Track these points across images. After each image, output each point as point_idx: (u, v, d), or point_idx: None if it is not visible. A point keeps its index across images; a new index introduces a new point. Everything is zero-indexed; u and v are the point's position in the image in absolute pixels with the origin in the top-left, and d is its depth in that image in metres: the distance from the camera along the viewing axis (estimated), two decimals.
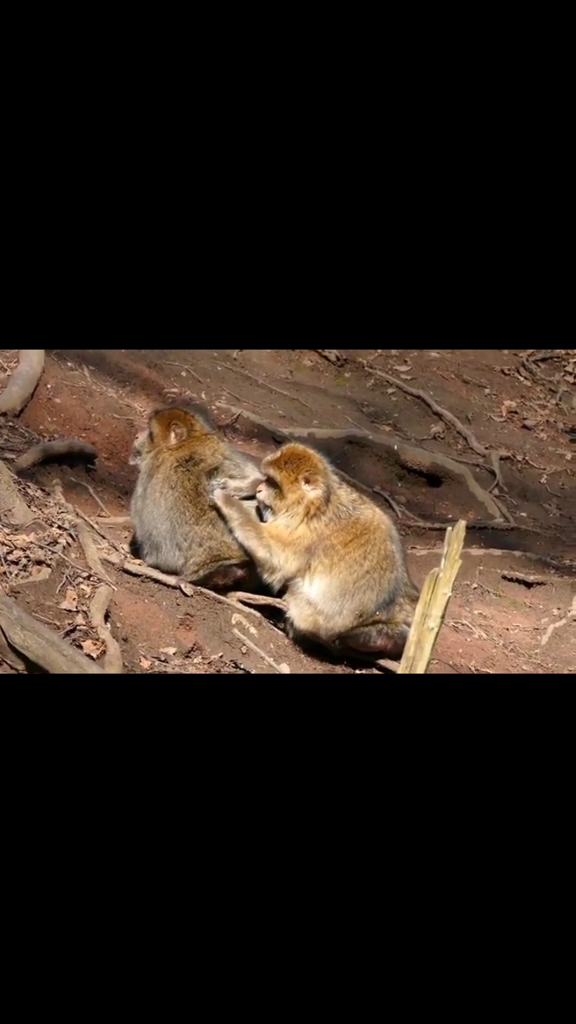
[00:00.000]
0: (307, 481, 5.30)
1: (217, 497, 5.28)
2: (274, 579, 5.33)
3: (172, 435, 5.43)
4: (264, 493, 5.34)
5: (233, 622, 5.26)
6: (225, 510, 5.27)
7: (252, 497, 5.36)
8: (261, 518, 5.36)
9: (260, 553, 5.29)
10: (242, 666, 5.05)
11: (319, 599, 5.27)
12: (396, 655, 5.04)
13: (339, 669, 5.36)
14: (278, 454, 5.37)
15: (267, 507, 5.34)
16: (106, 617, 4.83)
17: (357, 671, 5.38)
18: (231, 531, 5.27)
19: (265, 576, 5.33)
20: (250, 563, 5.34)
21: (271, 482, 5.33)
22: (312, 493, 5.30)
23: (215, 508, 5.28)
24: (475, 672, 5.69)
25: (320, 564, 5.28)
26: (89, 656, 4.56)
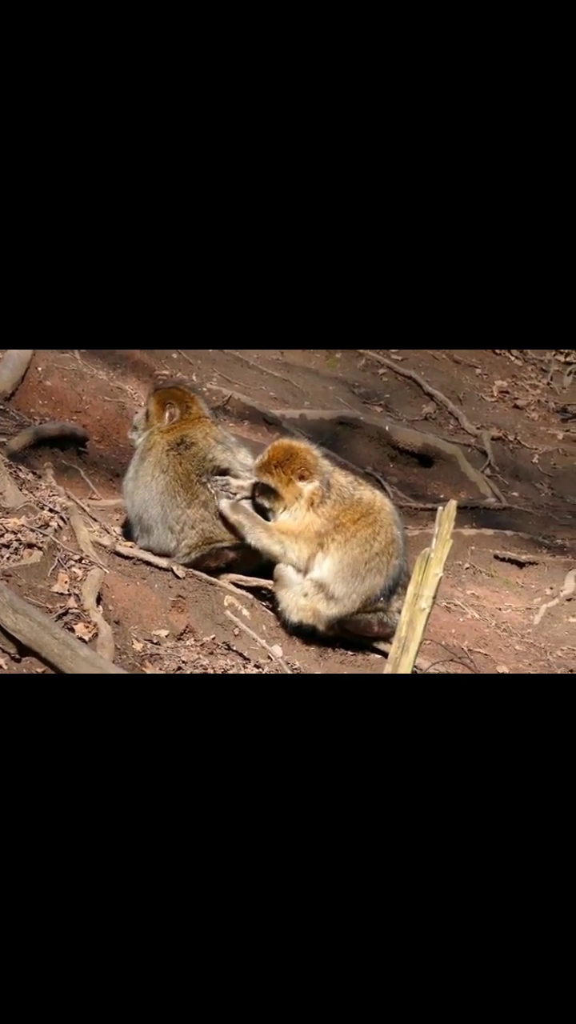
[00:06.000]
0: (301, 478, 5.28)
1: (224, 507, 5.27)
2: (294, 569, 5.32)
3: (166, 415, 5.43)
4: (262, 498, 5.32)
5: (225, 604, 5.26)
6: (232, 518, 5.26)
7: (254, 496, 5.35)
8: (265, 517, 5.34)
9: (275, 549, 5.28)
10: (235, 648, 5.06)
11: (330, 578, 5.25)
12: (389, 639, 5.04)
13: (331, 651, 5.37)
14: (266, 457, 5.32)
15: (268, 509, 5.33)
16: (98, 600, 4.83)
17: (350, 653, 5.38)
18: (243, 538, 5.27)
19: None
20: (242, 545, 5.33)
21: (266, 488, 5.31)
22: (309, 487, 5.28)
23: (222, 518, 5.27)
24: (467, 651, 5.69)
25: (333, 542, 5.26)
26: (81, 639, 4.56)
